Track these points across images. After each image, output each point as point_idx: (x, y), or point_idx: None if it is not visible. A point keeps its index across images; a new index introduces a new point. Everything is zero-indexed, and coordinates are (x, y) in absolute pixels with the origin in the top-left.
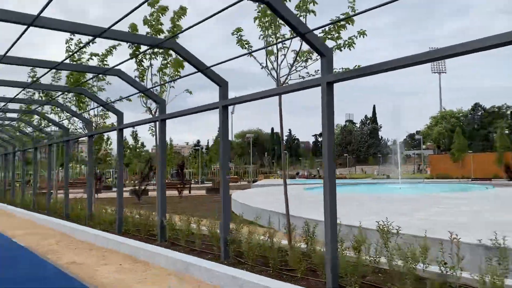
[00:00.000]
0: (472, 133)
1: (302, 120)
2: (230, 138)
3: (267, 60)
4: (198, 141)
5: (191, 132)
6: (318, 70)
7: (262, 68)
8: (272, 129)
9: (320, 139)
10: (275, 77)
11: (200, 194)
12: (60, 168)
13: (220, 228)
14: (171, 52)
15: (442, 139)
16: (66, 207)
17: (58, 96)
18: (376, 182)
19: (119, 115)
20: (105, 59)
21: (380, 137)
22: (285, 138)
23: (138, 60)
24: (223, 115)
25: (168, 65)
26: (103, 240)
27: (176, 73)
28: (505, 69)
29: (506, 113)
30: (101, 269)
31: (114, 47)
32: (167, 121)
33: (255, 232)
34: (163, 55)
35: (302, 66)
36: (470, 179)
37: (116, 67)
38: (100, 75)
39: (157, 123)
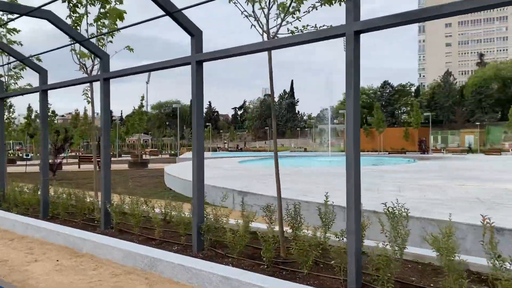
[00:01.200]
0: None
1: (222, 92)
2: (147, 110)
3: (254, 7)
4: (111, 112)
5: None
6: (307, 25)
7: (245, 17)
8: (191, 100)
9: (239, 112)
10: (263, 28)
11: (122, 168)
12: None
13: (192, 214)
14: None
15: None
16: None
17: None
18: (305, 155)
19: (43, 73)
20: None
21: (297, 111)
22: (204, 110)
23: (71, 5)
24: (196, 73)
25: (108, 15)
26: (26, 227)
27: (113, 25)
28: (406, 51)
29: (410, 90)
30: (33, 268)
31: None
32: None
33: (223, 215)
34: (101, 2)
35: (294, 17)
36: (387, 153)
37: (43, 8)
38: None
39: (99, 83)
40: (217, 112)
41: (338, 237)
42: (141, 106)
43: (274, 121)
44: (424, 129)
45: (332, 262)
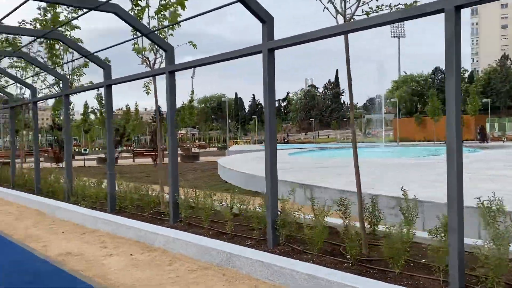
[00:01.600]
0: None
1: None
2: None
3: None
4: (159, 106)
5: (141, 97)
6: (382, 5)
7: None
8: (236, 94)
9: (283, 104)
10: (338, 10)
11: None
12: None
13: (266, 208)
14: None
15: (403, 102)
16: (37, 179)
17: (23, 46)
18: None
19: (107, 68)
20: None
21: (342, 101)
22: (248, 103)
23: None
24: (268, 62)
25: (168, 6)
26: (96, 221)
27: (174, 16)
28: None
29: (463, 76)
30: (109, 263)
31: None
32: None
33: (294, 209)
34: None
35: None
36: (443, 142)
37: (111, 2)
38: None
39: (164, 75)
40: (261, 104)
41: (432, 235)
42: (191, 100)
43: (352, 112)
44: (480, 117)
45: (423, 260)
